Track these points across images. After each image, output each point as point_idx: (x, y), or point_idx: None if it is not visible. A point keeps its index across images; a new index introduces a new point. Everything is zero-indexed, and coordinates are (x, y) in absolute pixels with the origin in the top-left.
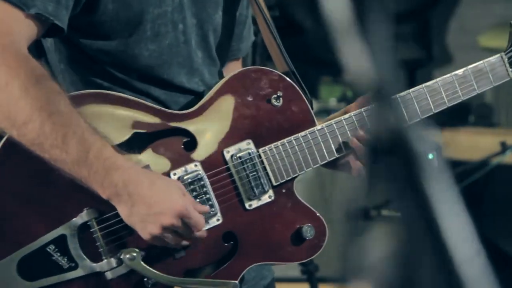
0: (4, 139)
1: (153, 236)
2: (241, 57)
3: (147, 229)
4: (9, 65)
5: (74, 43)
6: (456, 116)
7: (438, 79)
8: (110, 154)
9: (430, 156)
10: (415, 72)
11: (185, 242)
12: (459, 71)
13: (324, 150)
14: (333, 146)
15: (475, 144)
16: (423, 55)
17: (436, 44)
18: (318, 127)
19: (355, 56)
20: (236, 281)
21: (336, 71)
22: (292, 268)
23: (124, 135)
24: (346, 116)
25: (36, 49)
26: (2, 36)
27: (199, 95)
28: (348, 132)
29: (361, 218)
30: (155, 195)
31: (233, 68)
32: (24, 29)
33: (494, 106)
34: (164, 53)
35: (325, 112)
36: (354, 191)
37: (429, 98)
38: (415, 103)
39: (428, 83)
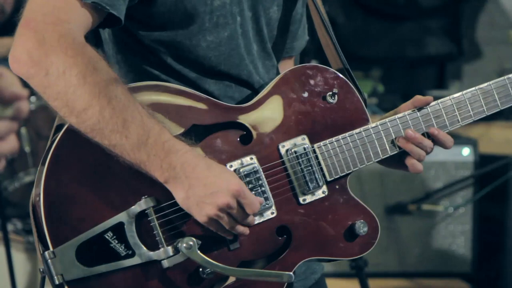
0: (65, 127)
1: (209, 218)
2: (294, 56)
3: (203, 211)
4: (66, 53)
5: (132, 33)
6: None
7: (491, 82)
8: (169, 137)
9: (467, 151)
10: (445, 66)
11: (239, 228)
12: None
13: (378, 148)
14: (386, 144)
15: (509, 138)
16: (453, 49)
17: (466, 38)
18: (372, 125)
19: None
20: (291, 273)
21: (367, 66)
22: (341, 264)
23: (182, 127)
24: (400, 115)
25: (93, 39)
26: (60, 23)
27: (253, 89)
28: (402, 130)
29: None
30: (211, 176)
31: (285, 66)
32: (81, 17)
33: None
34: (222, 45)
35: None
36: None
37: (482, 100)
38: (468, 105)
39: (481, 86)
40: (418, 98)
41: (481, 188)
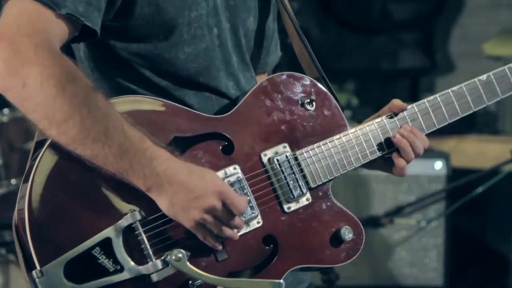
0: (47, 143)
1: (196, 222)
2: (267, 71)
3: (190, 216)
4: (43, 64)
5: (109, 47)
6: (461, 123)
7: (463, 84)
8: (150, 145)
9: (439, 164)
10: (418, 79)
11: (227, 231)
12: (483, 76)
13: (359, 153)
14: (366, 149)
15: (482, 151)
16: (426, 63)
17: (439, 52)
18: (352, 130)
19: None
20: (281, 280)
21: (341, 79)
22: (313, 277)
23: (164, 140)
24: (378, 119)
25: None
26: (35, 34)
27: (233, 101)
28: (380, 135)
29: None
30: (194, 180)
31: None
32: (56, 29)
33: (498, 113)
34: (200, 56)
35: None
36: (366, 199)
37: (455, 101)
38: (443, 107)
39: (453, 88)
40: (395, 104)
41: (453, 202)
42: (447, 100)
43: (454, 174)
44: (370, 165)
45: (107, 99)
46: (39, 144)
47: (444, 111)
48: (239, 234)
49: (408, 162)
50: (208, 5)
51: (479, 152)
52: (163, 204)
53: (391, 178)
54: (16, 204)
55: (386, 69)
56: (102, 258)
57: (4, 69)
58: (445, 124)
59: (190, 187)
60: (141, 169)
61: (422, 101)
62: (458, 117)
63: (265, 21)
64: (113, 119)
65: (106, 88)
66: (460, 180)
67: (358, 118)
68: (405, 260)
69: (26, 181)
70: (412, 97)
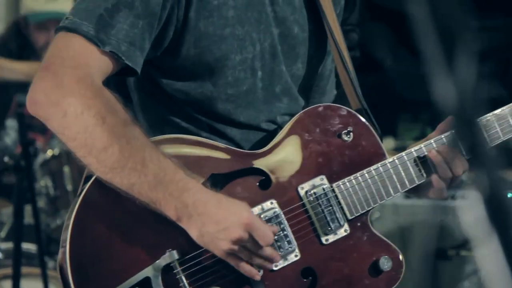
0: (89, 182)
1: (226, 253)
2: None
3: (219, 247)
4: (84, 95)
5: (155, 81)
6: None
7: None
8: (183, 176)
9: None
10: (495, 109)
11: (258, 261)
12: None
13: (397, 182)
14: (405, 178)
15: None
16: (504, 94)
17: None
18: (389, 159)
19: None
20: None
21: (415, 109)
22: None
23: (201, 177)
24: (416, 147)
25: (122, 87)
26: (79, 68)
27: (275, 136)
28: (418, 163)
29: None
30: (222, 212)
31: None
32: (98, 64)
33: None
34: (240, 97)
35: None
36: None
37: (497, 126)
38: (497, 127)
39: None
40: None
41: None
42: (503, 117)
43: None
44: (412, 193)
45: (149, 130)
46: (86, 180)
47: (499, 130)
48: (277, 268)
49: (445, 181)
50: (255, 49)
51: None
52: (193, 234)
53: None
54: (60, 243)
55: None
56: None
57: (46, 99)
58: (499, 141)
59: (218, 219)
60: (173, 200)
61: None
62: (500, 140)
63: (319, 65)
64: (150, 149)
65: (150, 119)
66: None
67: None
68: None
69: (69, 218)
70: None
